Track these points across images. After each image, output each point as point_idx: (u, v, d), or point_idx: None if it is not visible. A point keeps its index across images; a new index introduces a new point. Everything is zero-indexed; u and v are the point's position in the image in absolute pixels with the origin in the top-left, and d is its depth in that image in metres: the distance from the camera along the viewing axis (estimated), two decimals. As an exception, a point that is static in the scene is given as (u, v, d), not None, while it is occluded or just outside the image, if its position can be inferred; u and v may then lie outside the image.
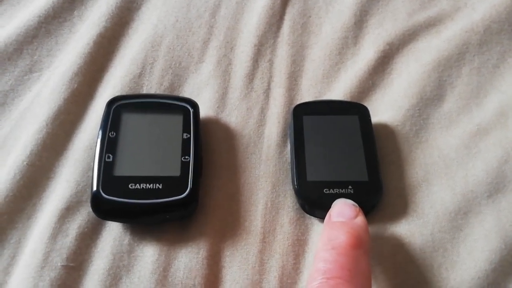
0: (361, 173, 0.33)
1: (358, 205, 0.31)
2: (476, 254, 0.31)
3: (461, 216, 0.33)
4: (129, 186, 0.32)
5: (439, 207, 0.33)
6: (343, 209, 0.31)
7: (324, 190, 0.33)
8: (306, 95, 0.40)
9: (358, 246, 0.28)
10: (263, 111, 0.39)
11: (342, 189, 0.33)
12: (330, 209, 0.32)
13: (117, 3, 0.44)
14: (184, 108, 0.36)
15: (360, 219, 0.30)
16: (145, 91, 0.40)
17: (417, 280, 0.31)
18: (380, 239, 0.32)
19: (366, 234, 0.29)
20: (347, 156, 0.34)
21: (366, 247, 0.28)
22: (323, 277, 0.26)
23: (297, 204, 0.34)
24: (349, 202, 0.31)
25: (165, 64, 0.41)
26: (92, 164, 0.34)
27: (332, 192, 0.33)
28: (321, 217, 0.33)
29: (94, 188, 0.32)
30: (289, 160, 0.36)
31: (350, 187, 0.33)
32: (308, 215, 0.34)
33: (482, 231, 0.32)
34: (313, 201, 0.33)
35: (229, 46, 0.42)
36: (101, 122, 0.35)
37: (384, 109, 0.38)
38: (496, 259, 0.31)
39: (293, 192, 0.34)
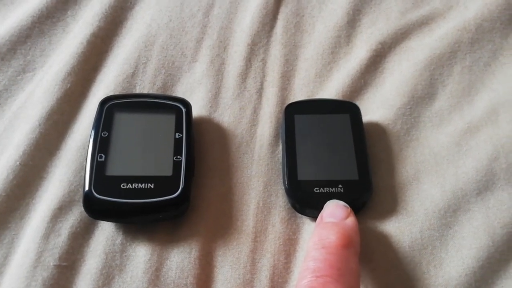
0: (351, 172, 0.34)
1: (348, 204, 0.32)
2: (464, 252, 0.32)
3: (450, 213, 0.33)
4: (121, 185, 0.32)
5: (429, 204, 0.34)
6: (334, 210, 0.31)
7: (315, 189, 0.33)
8: (299, 94, 0.40)
9: (348, 246, 0.28)
10: (256, 111, 0.39)
11: (332, 188, 0.33)
12: (322, 210, 0.32)
13: (110, 2, 0.44)
14: (176, 108, 0.36)
15: (351, 220, 0.30)
16: (138, 90, 0.40)
17: (406, 277, 0.31)
18: (370, 237, 0.33)
19: (356, 234, 0.30)
20: (338, 155, 0.34)
21: (355, 247, 0.29)
22: (313, 275, 0.26)
23: (289, 204, 0.34)
24: (341, 203, 0.32)
25: (158, 63, 0.41)
26: (84, 163, 0.35)
27: (323, 191, 0.33)
28: (312, 216, 0.33)
29: (86, 188, 0.32)
30: (281, 159, 0.36)
31: (340, 186, 0.33)
32: (300, 215, 0.34)
33: (470, 228, 0.33)
34: (304, 201, 0.33)
35: (222, 46, 0.43)
36: (94, 121, 0.35)
37: (376, 108, 0.39)
38: (484, 256, 0.31)
39: (284, 191, 0.34)
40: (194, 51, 0.42)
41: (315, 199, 0.32)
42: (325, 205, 0.32)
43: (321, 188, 0.33)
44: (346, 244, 0.28)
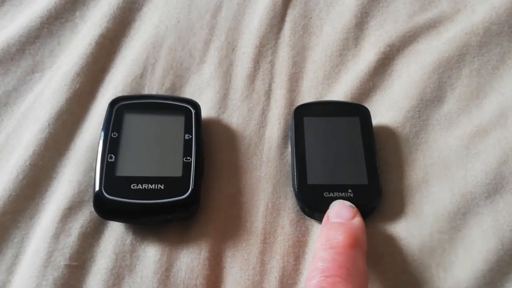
0: (361, 176, 0.34)
1: (358, 208, 0.32)
2: (474, 254, 0.32)
3: (459, 216, 0.33)
4: (131, 186, 0.32)
5: (438, 207, 0.34)
6: (340, 210, 0.31)
7: (324, 194, 0.33)
8: (307, 96, 0.40)
9: (356, 246, 0.28)
10: (264, 112, 0.39)
11: (342, 193, 0.33)
12: (328, 210, 0.32)
13: (118, 3, 0.44)
14: (186, 109, 0.36)
15: (357, 220, 0.31)
16: (146, 91, 0.40)
17: (416, 280, 0.31)
18: (379, 240, 0.33)
19: (363, 234, 0.30)
20: (347, 159, 0.34)
21: (363, 247, 0.29)
22: (322, 275, 0.27)
23: (298, 206, 0.34)
24: (347, 203, 0.32)
25: (166, 64, 0.41)
26: (94, 164, 0.35)
27: (332, 195, 0.33)
28: (321, 220, 0.33)
29: (97, 188, 0.32)
30: (289, 161, 0.36)
31: (349, 190, 0.33)
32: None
33: (480, 231, 0.33)
34: (313, 205, 0.33)
35: (230, 47, 0.43)
36: (104, 122, 0.35)
37: (384, 111, 0.39)
38: (493, 259, 0.31)
39: (294, 194, 0.34)
40: (202, 53, 0.43)
41: (325, 204, 0.32)
42: (331, 205, 0.32)
43: (331, 193, 0.33)
44: (354, 244, 0.28)
